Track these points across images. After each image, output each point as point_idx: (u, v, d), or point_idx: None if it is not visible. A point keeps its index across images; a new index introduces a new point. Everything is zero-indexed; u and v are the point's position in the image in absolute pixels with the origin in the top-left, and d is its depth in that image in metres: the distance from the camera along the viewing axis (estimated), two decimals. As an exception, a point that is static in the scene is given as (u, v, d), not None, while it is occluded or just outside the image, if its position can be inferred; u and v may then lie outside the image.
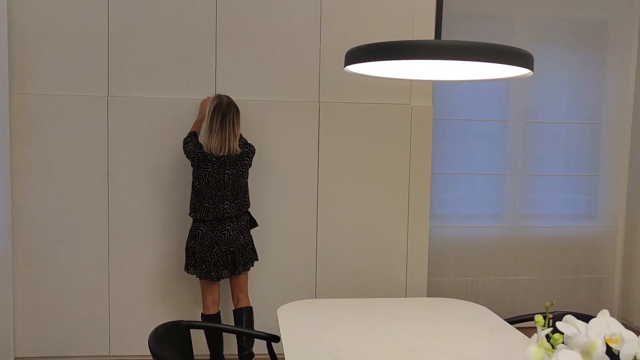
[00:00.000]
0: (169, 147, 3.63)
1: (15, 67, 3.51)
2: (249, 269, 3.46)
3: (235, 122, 3.30)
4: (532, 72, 1.65)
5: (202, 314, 3.48)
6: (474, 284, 4.49)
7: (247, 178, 3.40)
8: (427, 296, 3.99)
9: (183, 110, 3.63)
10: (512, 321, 2.37)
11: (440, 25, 1.76)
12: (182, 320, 2.26)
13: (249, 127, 3.62)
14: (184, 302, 3.73)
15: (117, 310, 3.70)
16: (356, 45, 1.85)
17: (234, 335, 3.58)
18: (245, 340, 3.39)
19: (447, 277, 4.45)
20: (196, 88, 3.63)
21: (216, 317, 3.47)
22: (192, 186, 3.34)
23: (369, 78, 1.97)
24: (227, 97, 3.35)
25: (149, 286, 3.70)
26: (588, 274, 4.59)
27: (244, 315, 3.44)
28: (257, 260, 3.51)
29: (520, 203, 4.50)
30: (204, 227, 3.30)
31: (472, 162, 4.43)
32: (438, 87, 4.18)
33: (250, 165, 3.40)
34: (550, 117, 4.46)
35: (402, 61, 2.00)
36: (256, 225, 3.50)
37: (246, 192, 3.40)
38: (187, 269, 3.39)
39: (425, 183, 3.82)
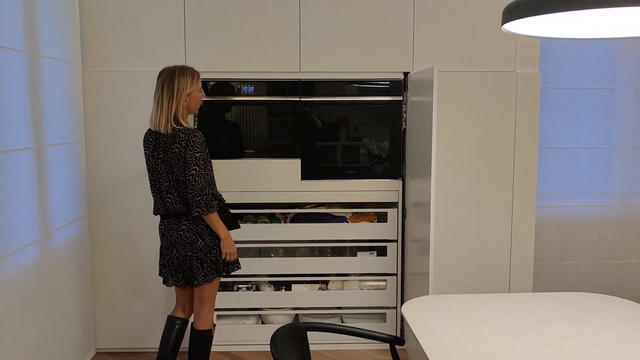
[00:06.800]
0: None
1: (87, 45, 3.30)
2: (211, 280, 2.71)
3: (165, 89, 2.55)
4: None
5: (169, 315, 2.93)
6: (577, 269, 4.10)
7: (184, 172, 2.56)
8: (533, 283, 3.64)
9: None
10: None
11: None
12: (300, 322, 2.01)
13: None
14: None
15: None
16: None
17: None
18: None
19: (548, 260, 4.08)
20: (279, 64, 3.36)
21: (181, 322, 2.86)
22: None
23: (523, 38, 1.63)
24: (180, 65, 2.66)
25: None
26: None
27: (192, 337, 2.81)
28: (224, 274, 2.75)
29: (630, 180, 4.07)
30: (162, 226, 2.74)
31: (576, 135, 4.01)
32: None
33: (184, 154, 2.53)
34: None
35: (559, 17, 1.66)
36: (237, 227, 2.76)
37: (194, 187, 2.56)
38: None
39: (532, 159, 3.44)
